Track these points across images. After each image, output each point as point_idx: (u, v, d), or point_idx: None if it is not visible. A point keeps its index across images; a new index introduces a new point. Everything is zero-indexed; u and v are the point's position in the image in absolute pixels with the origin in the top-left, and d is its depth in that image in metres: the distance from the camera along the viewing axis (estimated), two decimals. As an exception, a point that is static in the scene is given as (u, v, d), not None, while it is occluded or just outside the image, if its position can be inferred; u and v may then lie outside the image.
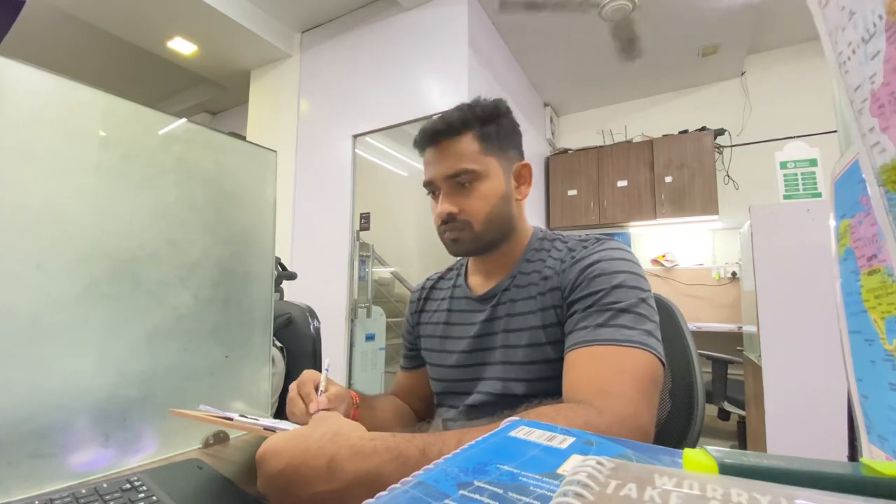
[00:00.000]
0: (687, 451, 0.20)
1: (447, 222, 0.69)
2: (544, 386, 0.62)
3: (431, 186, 0.72)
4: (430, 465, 0.23)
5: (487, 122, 0.69)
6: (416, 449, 0.39)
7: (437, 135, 0.69)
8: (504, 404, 0.62)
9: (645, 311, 0.58)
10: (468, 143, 0.68)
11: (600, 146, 3.85)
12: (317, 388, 0.64)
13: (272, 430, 0.48)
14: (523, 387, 0.64)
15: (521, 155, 0.75)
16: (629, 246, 4.00)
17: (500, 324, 0.69)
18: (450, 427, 0.73)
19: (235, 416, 0.55)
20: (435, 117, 0.71)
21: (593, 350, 0.55)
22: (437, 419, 0.77)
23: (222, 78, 3.70)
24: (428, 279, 0.89)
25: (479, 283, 0.77)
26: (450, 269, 0.87)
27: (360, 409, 0.69)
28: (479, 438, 0.27)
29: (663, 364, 0.56)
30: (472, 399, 0.70)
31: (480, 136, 0.69)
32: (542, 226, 4.22)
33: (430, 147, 0.71)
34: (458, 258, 0.86)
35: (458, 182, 0.68)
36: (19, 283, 0.53)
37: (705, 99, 3.76)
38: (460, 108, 0.70)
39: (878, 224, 0.21)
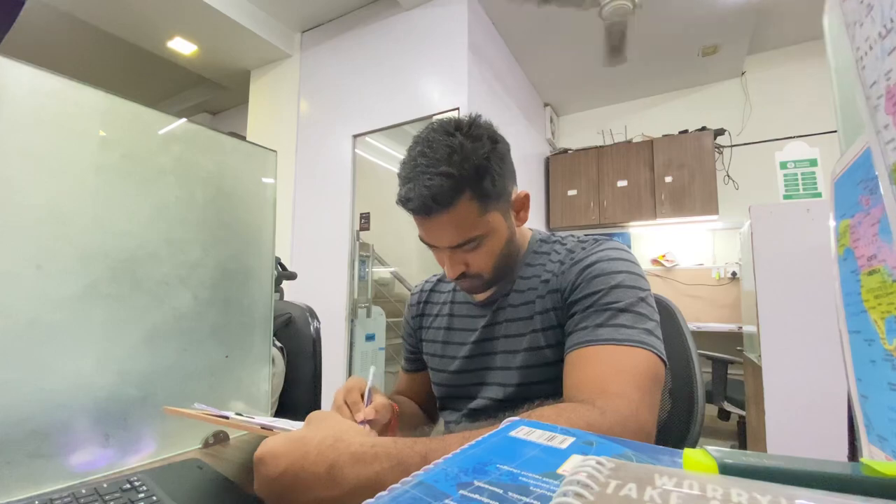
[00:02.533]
0: (687, 451, 0.20)
1: (459, 278, 0.67)
2: (546, 389, 0.62)
3: (432, 248, 0.67)
4: (430, 465, 0.23)
5: (481, 178, 0.59)
6: (418, 455, 0.39)
7: (427, 211, 0.59)
8: (506, 408, 0.62)
9: (644, 310, 0.58)
10: (465, 210, 0.59)
11: (600, 146, 3.84)
12: (363, 396, 0.63)
13: (269, 428, 0.48)
14: (525, 391, 0.64)
15: (515, 180, 0.68)
16: (629, 246, 3.98)
17: (501, 329, 0.69)
18: (452, 429, 0.73)
19: (231, 414, 0.55)
20: (419, 182, 0.58)
21: (593, 350, 0.55)
22: (439, 422, 0.77)
23: (222, 78, 3.70)
24: (426, 281, 0.89)
25: None
26: None
27: (398, 419, 0.69)
28: (479, 438, 0.27)
29: (664, 362, 0.56)
30: (475, 404, 0.70)
31: (476, 196, 0.59)
32: (542, 226, 4.17)
33: (419, 217, 0.62)
34: None
35: (464, 249, 0.63)
36: (19, 283, 0.53)
37: (705, 99, 3.75)
38: (447, 174, 0.57)
39: (890, 222, 0.21)
